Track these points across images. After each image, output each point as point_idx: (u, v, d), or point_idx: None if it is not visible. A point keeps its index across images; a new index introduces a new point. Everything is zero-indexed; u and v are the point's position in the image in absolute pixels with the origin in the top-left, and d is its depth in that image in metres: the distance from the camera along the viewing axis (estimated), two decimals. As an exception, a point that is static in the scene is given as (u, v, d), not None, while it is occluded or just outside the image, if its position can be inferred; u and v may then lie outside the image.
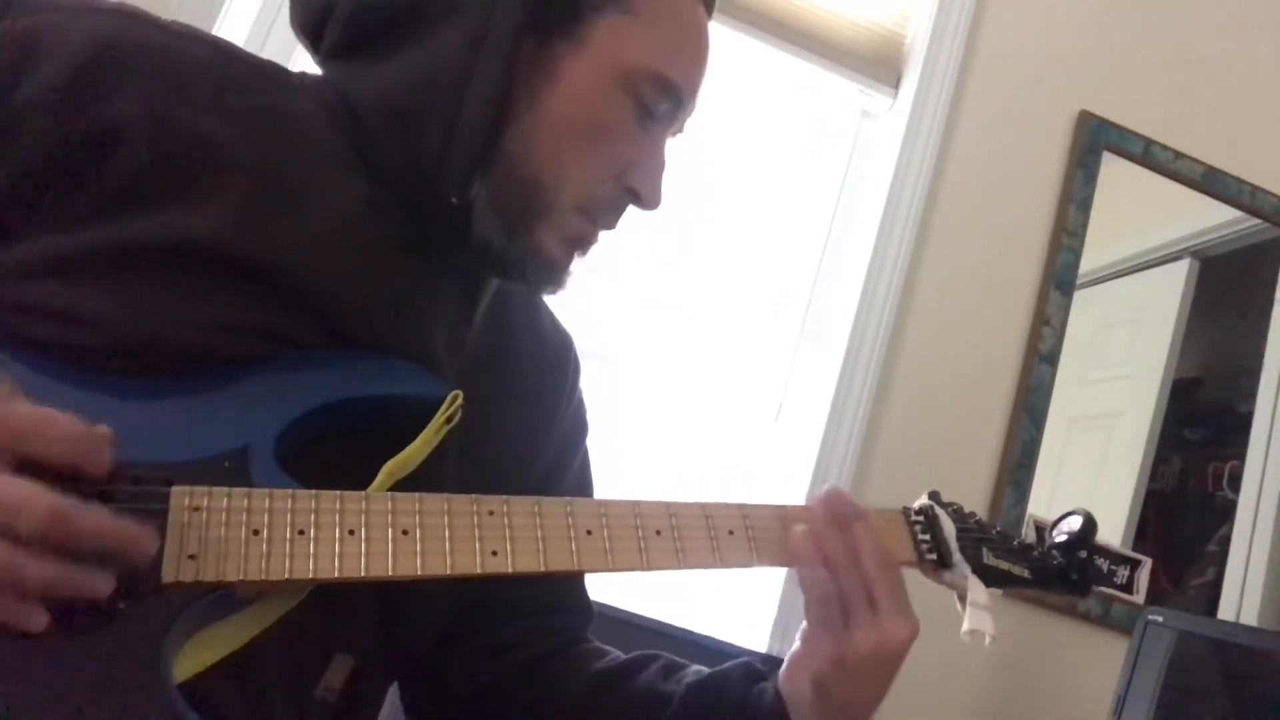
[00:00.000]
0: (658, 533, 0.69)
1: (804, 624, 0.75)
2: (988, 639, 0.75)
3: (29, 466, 0.49)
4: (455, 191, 0.71)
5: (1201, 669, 1.41)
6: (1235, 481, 1.94)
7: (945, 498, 0.84)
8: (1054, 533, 0.86)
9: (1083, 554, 0.84)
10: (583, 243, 0.77)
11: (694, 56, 0.78)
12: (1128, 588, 0.89)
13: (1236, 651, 1.37)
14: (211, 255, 0.63)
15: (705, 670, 0.83)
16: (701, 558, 0.70)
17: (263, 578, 0.56)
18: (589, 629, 0.91)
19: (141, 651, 0.52)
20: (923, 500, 0.83)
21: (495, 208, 0.72)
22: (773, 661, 0.79)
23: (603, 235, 0.79)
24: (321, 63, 0.76)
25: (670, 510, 0.70)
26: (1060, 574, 0.84)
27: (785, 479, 1.82)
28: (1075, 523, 0.85)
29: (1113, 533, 1.83)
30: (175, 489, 0.56)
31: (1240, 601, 1.87)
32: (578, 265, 0.79)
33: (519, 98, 0.71)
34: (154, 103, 0.64)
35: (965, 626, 0.76)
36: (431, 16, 0.70)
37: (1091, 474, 1.90)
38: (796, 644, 0.75)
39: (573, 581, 0.91)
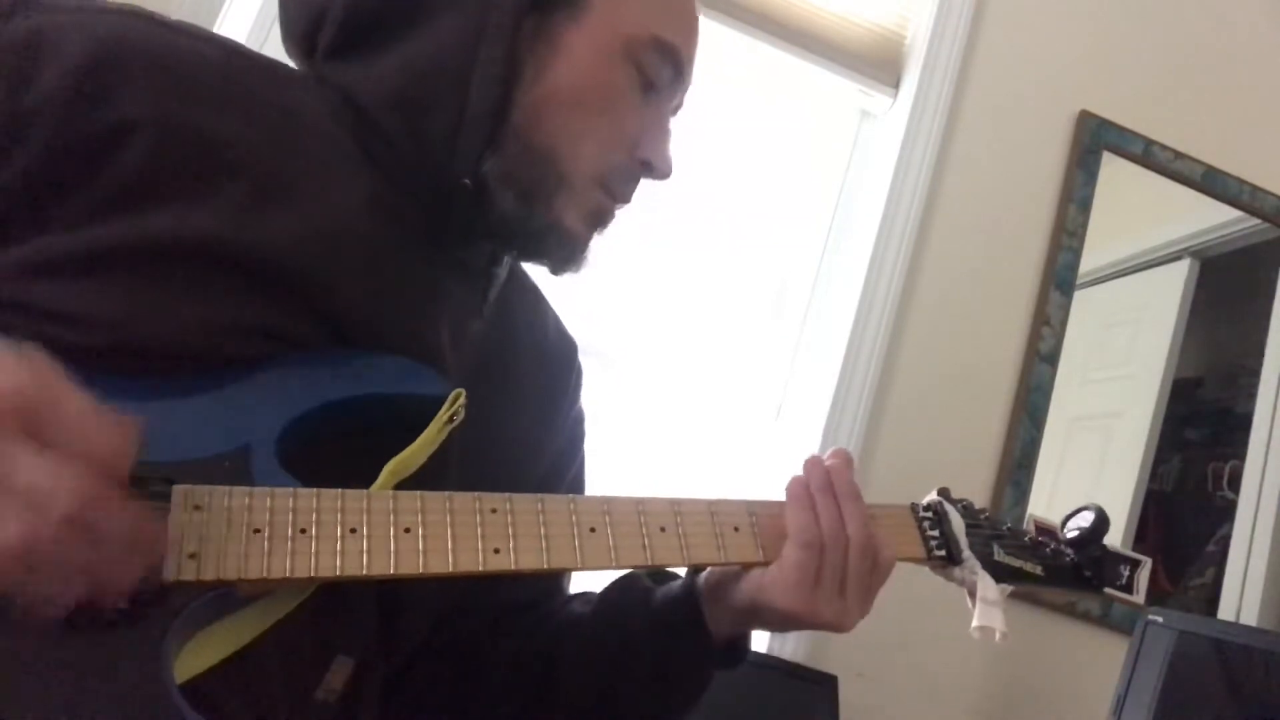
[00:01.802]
0: (662, 529, 0.68)
1: (773, 567, 0.73)
2: (998, 635, 0.74)
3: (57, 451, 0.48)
4: (467, 173, 0.72)
5: (1201, 669, 1.41)
6: (1235, 481, 1.94)
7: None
8: (1066, 529, 0.86)
9: (1096, 551, 0.84)
10: (602, 217, 0.78)
11: (688, 21, 0.80)
12: (1128, 588, 0.88)
13: (1236, 651, 1.37)
14: (215, 254, 0.63)
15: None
16: (707, 554, 0.69)
17: (264, 576, 0.55)
18: None
19: (143, 652, 0.51)
20: (931, 496, 0.83)
21: (509, 183, 0.72)
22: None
23: (609, 230, 0.80)
24: (319, 67, 0.76)
25: (675, 507, 0.70)
26: (1074, 571, 0.83)
27: (785, 479, 1.81)
28: (1088, 519, 0.84)
29: (1113, 533, 1.81)
30: (176, 488, 0.55)
31: (1240, 601, 1.87)
32: (596, 245, 0.80)
33: (524, 74, 0.72)
34: (160, 101, 0.63)
35: (975, 623, 0.75)
36: (428, 4, 0.71)
37: (1091, 474, 1.90)
38: (756, 569, 0.73)
39: (555, 583, 0.90)
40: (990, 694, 1.76)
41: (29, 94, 0.61)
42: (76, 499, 0.46)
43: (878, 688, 1.68)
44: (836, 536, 0.72)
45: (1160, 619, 1.48)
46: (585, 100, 0.74)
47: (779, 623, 0.74)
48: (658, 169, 0.78)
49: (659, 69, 0.76)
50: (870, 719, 1.66)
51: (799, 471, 0.78)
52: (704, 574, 0.77)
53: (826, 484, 0.75)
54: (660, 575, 0.81)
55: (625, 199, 0.79)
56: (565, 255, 0.78)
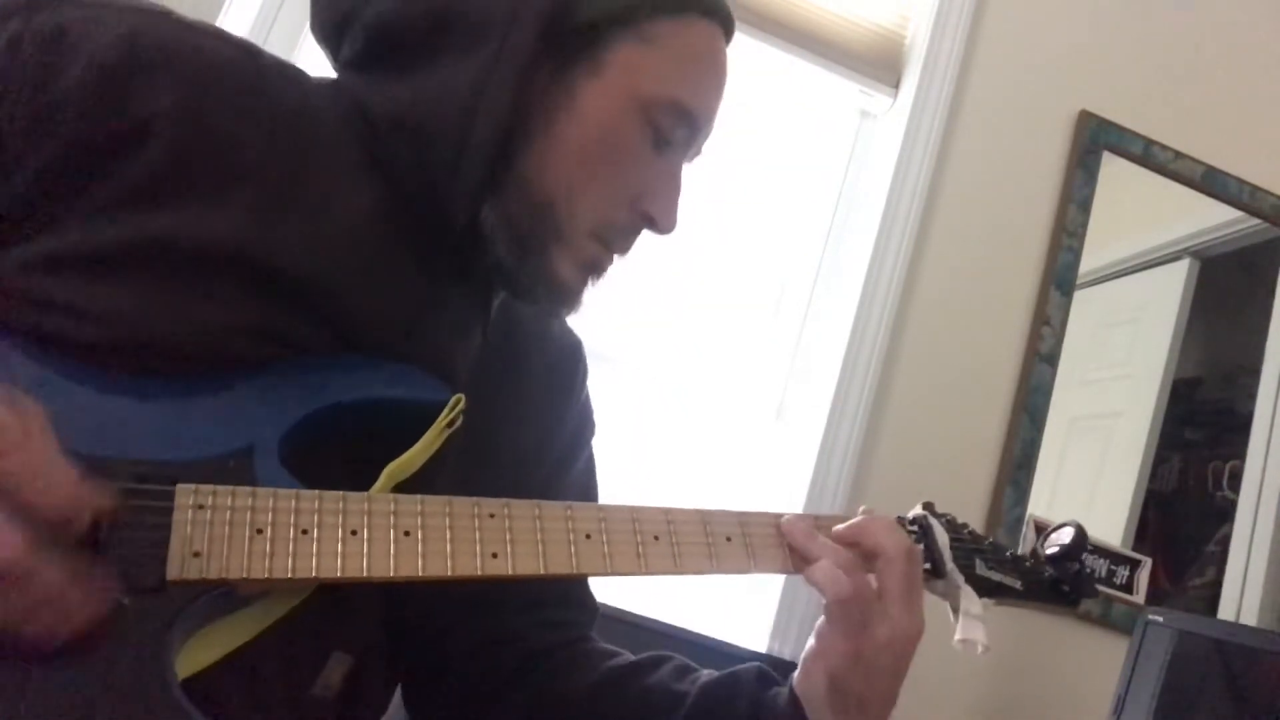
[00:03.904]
0: (655, 538, 0.69)
1: (819, 621, 0.75)
2: (980, 648, 0.75)
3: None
4: (463, 213, 0.71)
5: (1201, 669, 1.41)
6: (1235, 481, 1.94)
7: (945, 498, 0.85)
8: (1045, 545, 0.88)
9: (1074, 566, 0.85)
10: (597, 268, 0.77)
11: (711, 85, 0.78)
12: (1128, 588, 0.89)
13: (1236, 651, 1.37)
14: (224, 256, 0.63)
15: (718, 672, 0.82)
16: (698, 563, 0.70)
17: (266, 576, 0.56)
18: (593, 627, 0.90)
19: (145, 648, 0.52)
20: (916, 510, 0.84)
21: (506, 230, 0.72)
22: (785, 667, 0.79)
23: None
24: (339, 71, 0.76)
25: (668, 516, 0.70)
26: (1051, 585, 0.85)
27: (785, 479, 1.82)
28: (1066, 535, 0.86)
29: (1113, 533, 1.83)
30: (180, 487, 0.56)
31: (1240, 601, 1.87)
32: (592, 290, 0.79)
33: (534, 122, 0.71)
34: (180, 102, 0.64)
35: (958, 636, 0.77)
36: (450, 38, 0.70)
37: (1091, 474, 1.90)
38: (811, 641, 0.75)
39: (570, 591, 0.90)
40: (990, 694, 1.76)
41: (53, 89, 0.61)
42: (3, 564, 0.46)
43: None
44: (851, 562, 0.72)
45: (1160, 619, 1.48)
46: (591, 154, 0.72)
47: (867, 675, 0.71)
48: (660, 225, 0.77)
49: (673, 129, 0.75)
50: (870, 719, 1.66)
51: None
52: (795, 678, 0.76)
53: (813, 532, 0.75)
54: (767, 679, 0.80)
55: (623, 251, 0.78)
56: (556, 302, 0.77)
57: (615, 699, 0.81)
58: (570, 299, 0.77)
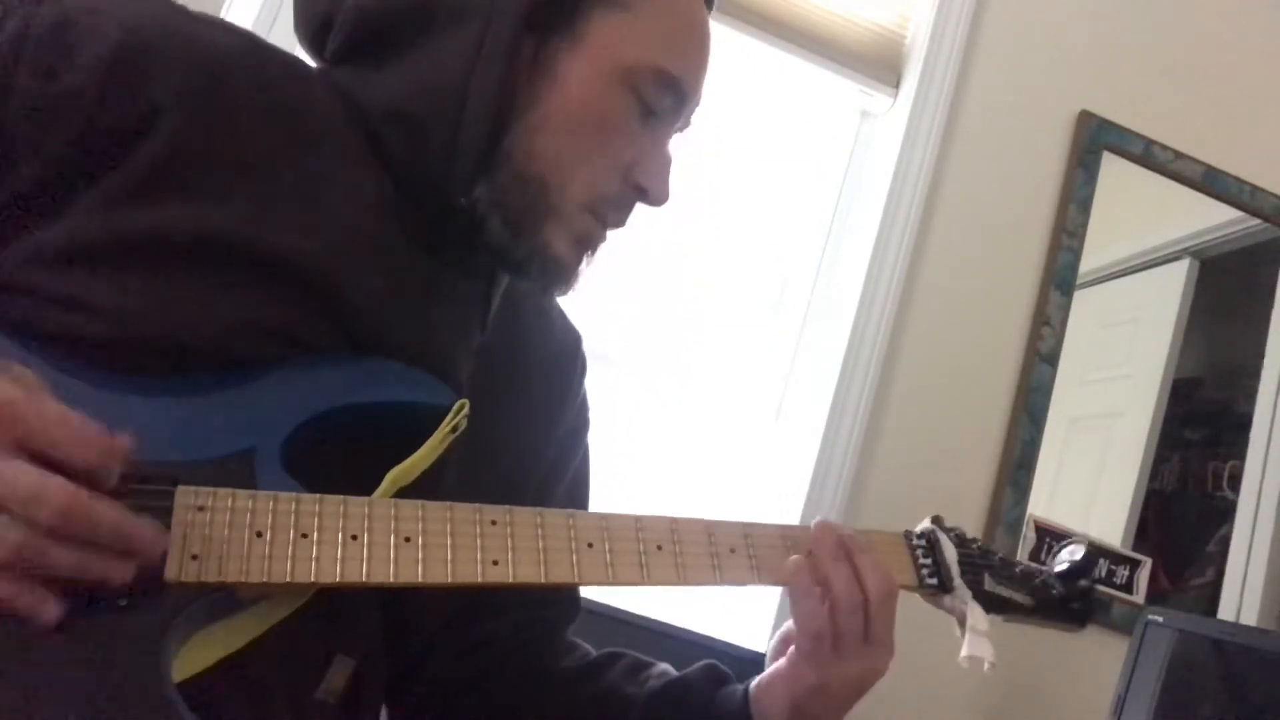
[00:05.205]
0: (659, 548, 0.69)
1: (787, 628, 0.76)
2: (986, 665, 0.75)
3: (45, 462, 0.49)
4: (461, 193, 0.71)
5: (1201, 669, 1.41)
6: (1235, 481, 1.94)
7: (944, 499, 0.85)
8: (1055, 561, 0.87)
9: (1085, 584, 0.84)
10: (591, 242, 0.77)
11: (694, 50, 0.78)
12: (1128, 588, 0.89)
13: (1236, 651, 1.37)
14: (230, 250, 0.63)
15: (671, 672, 0.83)
16: (702, 575, 0.70)
17: (264, 579, 0.56)
18: (572, 622, 0.91)
19: (141, 650, 0.52)
20: (925, 524, 0.83)
21: (500, 208, 0.72)
22: (744, 663, 0.80)
23: (610, 234, 0.79)
24: (327, 67, 0.76)
25: (672, 526, 0.70)
26: (1061, 603, 0.84)
27: (785, 479, 1.82)
28: (1078, 552, 0.85)
29: (1113, 533, 1.83)
30: (181, 488, 0.56)
31: (1240, 601, 1.87)
32: (588, 266, 0.78)
33: (520, 99, 0.71)
34: (186, 92, 0.64)
35: (964, 653, 0.76)
36: (431, 23, 0.70)
37: (1091, 474, 1.90)
38: (781, 662, 0.76)
39: (564, 597, 0.91)
40: (990, 694, 1.76)
41: (59, 81, 0.61)
42: (64, 507, 0.47)
43: (877, 688, 1.67)
44: (854, 602, 0.72)
45: (1160, 619, 1.48)
46: (578, 127, 0.72)
47: (829, 704, 0.75)
48: (653, 195, 0.77)
49: (659, 98, 0.75)
50: (870, 719, 1.66)
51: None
52: (755, 685, 0.78)
53: (840, 550, 0.74)
54: (717, 676, 0.82)
55: (618, 224, 0.78)
56: (552, 279, 0.77)
57: (568, 702, 0.82)
58: (566, 275, 0.77)
